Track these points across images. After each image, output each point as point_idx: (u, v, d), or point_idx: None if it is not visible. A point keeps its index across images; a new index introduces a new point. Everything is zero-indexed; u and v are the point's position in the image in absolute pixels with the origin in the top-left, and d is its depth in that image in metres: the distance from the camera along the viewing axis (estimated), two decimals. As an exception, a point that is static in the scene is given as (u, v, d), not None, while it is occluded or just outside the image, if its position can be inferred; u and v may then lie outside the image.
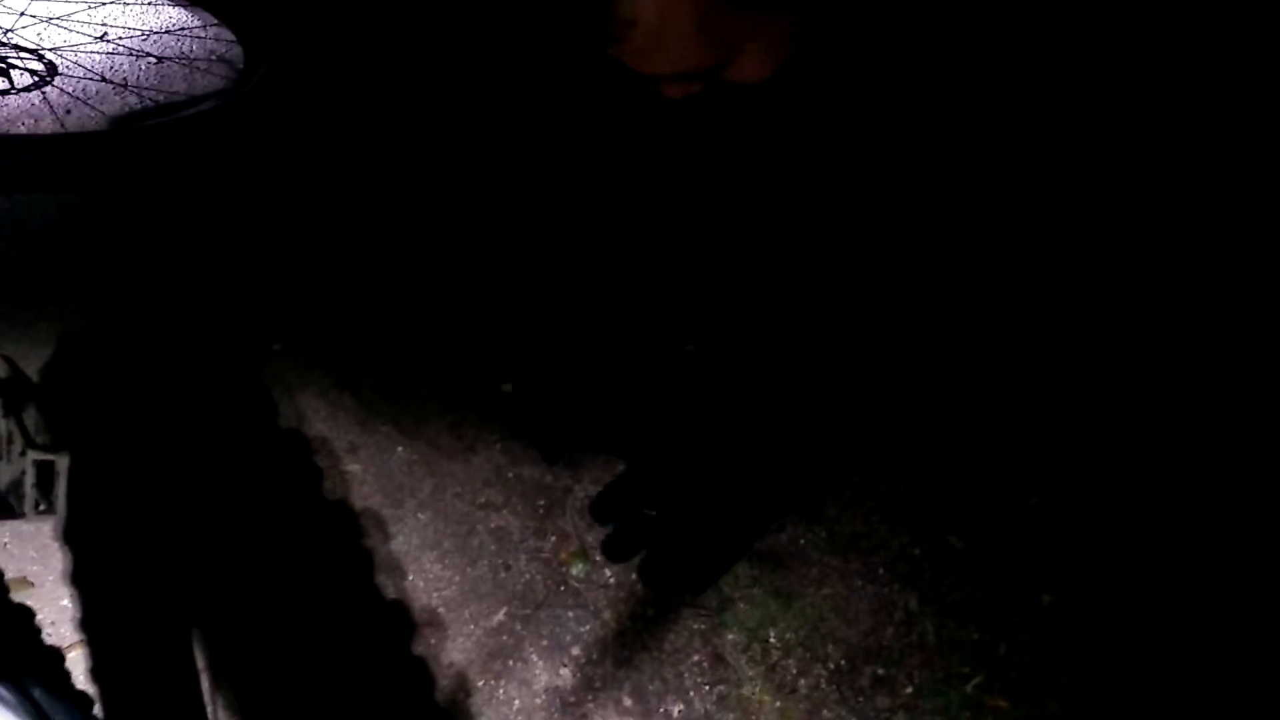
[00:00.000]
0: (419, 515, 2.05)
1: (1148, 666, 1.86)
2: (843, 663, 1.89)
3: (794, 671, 1.87)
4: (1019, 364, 2.20)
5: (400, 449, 2.14)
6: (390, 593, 1.92)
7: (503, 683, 1.82)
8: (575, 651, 1.88)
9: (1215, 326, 1.90)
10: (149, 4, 3.48)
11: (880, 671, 1.88)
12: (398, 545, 2.00)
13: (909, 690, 1.86)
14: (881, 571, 2.01)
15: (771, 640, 1.91)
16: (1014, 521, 2.07)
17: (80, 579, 1.78)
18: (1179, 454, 2.12)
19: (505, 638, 1.89)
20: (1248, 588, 1.94)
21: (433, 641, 1.87)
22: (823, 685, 1.86)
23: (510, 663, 1.86)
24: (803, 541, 2.04)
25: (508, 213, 2.54)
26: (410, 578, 1.96)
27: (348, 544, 1.96)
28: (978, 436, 2.18)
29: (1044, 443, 2.17)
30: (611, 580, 1.97)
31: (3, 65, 2.93)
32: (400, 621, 1.88)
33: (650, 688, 1.83)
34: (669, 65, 0.92)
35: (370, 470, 2.10)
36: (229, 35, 3.17)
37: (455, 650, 1.87)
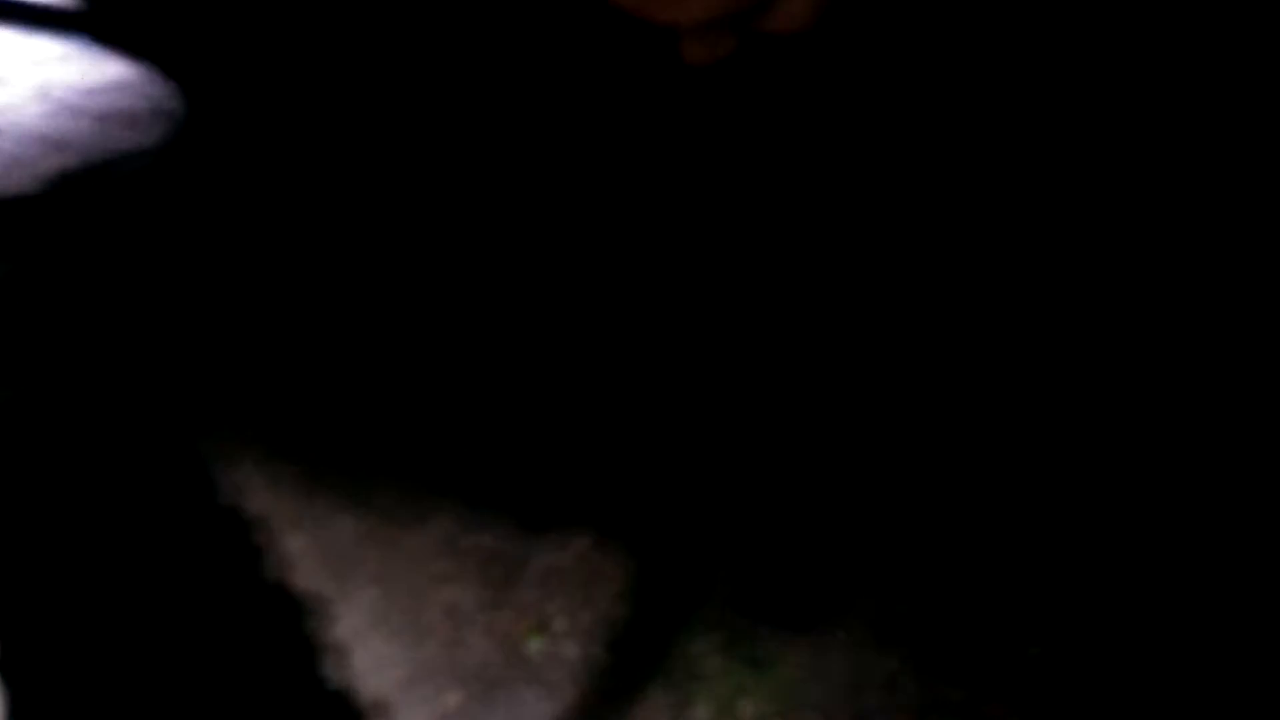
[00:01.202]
0: (366, 591, 1.92)
1: (1139, 713, 1.75)
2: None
3: (770, 745, 1.75)
4: (984, 400, 2.11)
5: (346, 520, 2.02)
6: (333, 680, 1.79)
7: (457, 773, 1.69)
8: (535, 734, 1.75)
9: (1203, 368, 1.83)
10: (90, 61, 3.39)
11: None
12: (343, 626, 1.87)
13: (893, 760, 1.74)
14: (860, 632, 1.89)
15: (745, 712, 1.78)
16: (998, 569, 1.96)
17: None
18: (1161, 496, 2.02)
19: (460, 722, 1.77)
20: (1234, 634, 1.84)
21: (381, 730, 1.74)
22: (801, 759, 1.74)
23: (466, 749, 1.73)
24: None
25: (461, 263, 2.43)
26: (356, 660, 1.83)
27: (286, 630, 1.84)
28: (957, 481, 2.08)
29: (1028, 482, 2.07)
30: (573, 655, 1.85)
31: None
32: (344, 712, 1.75)
33: (616, 771, 1.71)
34: (694, 11, 0.76)
35: (314, 545, 1.98)
36: (168, 88, 3.08)
37: (406, 738, 1.74)
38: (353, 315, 2.35)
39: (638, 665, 1.82)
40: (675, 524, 1.95)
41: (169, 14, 3.11)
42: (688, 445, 2.01)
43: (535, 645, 1.85)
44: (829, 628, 1.87)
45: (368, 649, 1.84)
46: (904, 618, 1.90)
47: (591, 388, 2.12)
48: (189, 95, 3.02)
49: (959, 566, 1.96)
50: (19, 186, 2.78)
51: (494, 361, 2.20)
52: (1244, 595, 1.84)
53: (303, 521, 2.01)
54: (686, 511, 1.96)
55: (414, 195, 2.61)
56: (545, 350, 2.19)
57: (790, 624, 1.80)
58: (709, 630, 1.85)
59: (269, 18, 2.82)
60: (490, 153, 2.37)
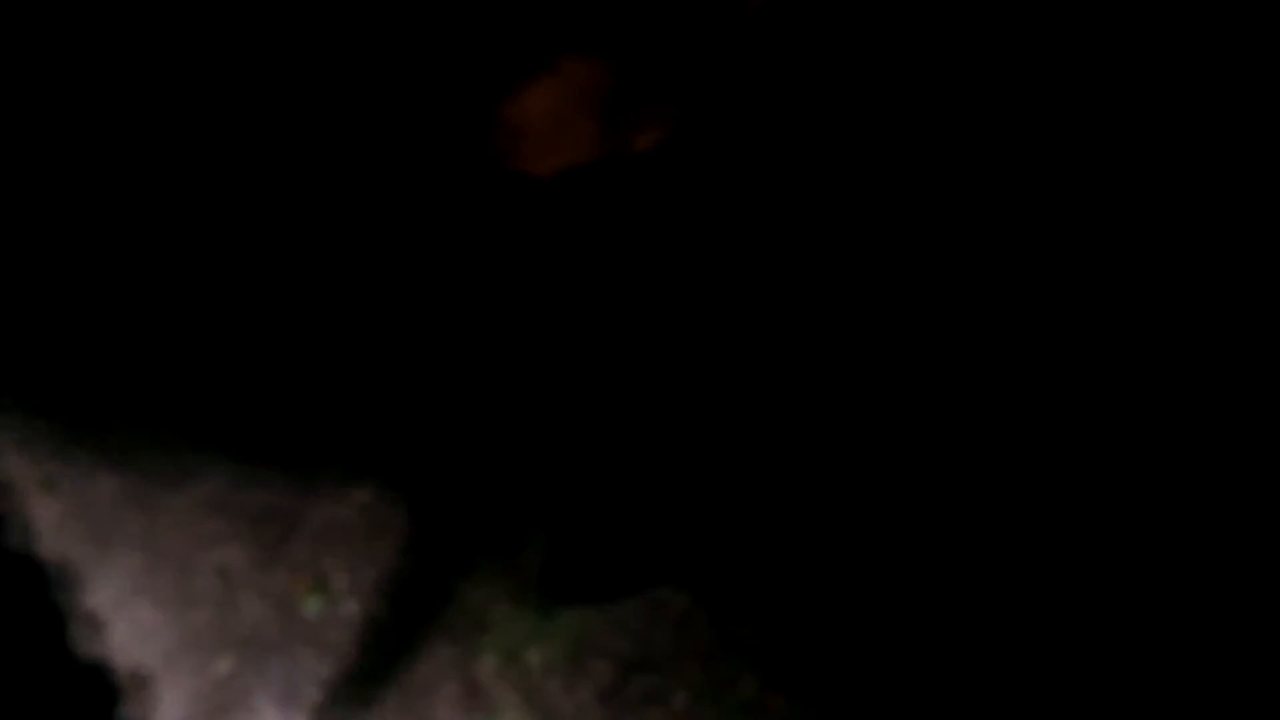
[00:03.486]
0: (129, 556, 1.79)
1: (925, 647, 1.78)
2: (611, 678, 1.74)
3: (557, 693, 1.72)
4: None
5: (108, 480, 1.86)
6: (89, 655, 1.67)
7: (223, 745, 1.61)
8: (313, 696, 1.68)
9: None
10: None
11: (653, 683, 1.74)
12: (102, 595, 1.74)
13: (683, 700, 1.73)
14: (654, 575, 1.86)
15: (532, 661, 1.74)
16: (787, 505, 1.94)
17: None
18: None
19: (231, 689, 1.68)
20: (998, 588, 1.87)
21: (143, 703, 1.64)
22: (589, 705, 1.71)
23: (237, 716, 1.65)
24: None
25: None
26: (116, 632, 1.71)
27: (35, 602, 1.70)
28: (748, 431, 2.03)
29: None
30: (353, 613, 1.77)
31: None
32: (100, 687, 1.64)
33: (394, 731, 1.65)
34: (562, 163, 1.01)
35: (71, 509, 1.83)
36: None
37: (172, 710, 1.64)
38: (105, 264, 2.13)
39: (421, 620, 1.76)
40: (462, 471, 1.86)
41: None
42: (479, 388, 1.90)
43: (312, 605, 1.76)
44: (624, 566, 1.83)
45: (130, 619, 1.72)
46: (698, 561, 1.87)
47: (368, 324, 1.98)
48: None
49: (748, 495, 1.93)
50: None
51: (259, 301, 2.03)
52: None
53: (59, 484, 1.85)
54: (475, 457, 1.87)
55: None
56: (312, 281, 2.03)
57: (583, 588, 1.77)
58: (496, 578, 1.79)
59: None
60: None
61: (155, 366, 1.97)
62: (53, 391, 1.94)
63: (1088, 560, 1.78)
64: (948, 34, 1.75)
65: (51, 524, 1.80)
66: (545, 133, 0.96)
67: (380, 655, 1.73)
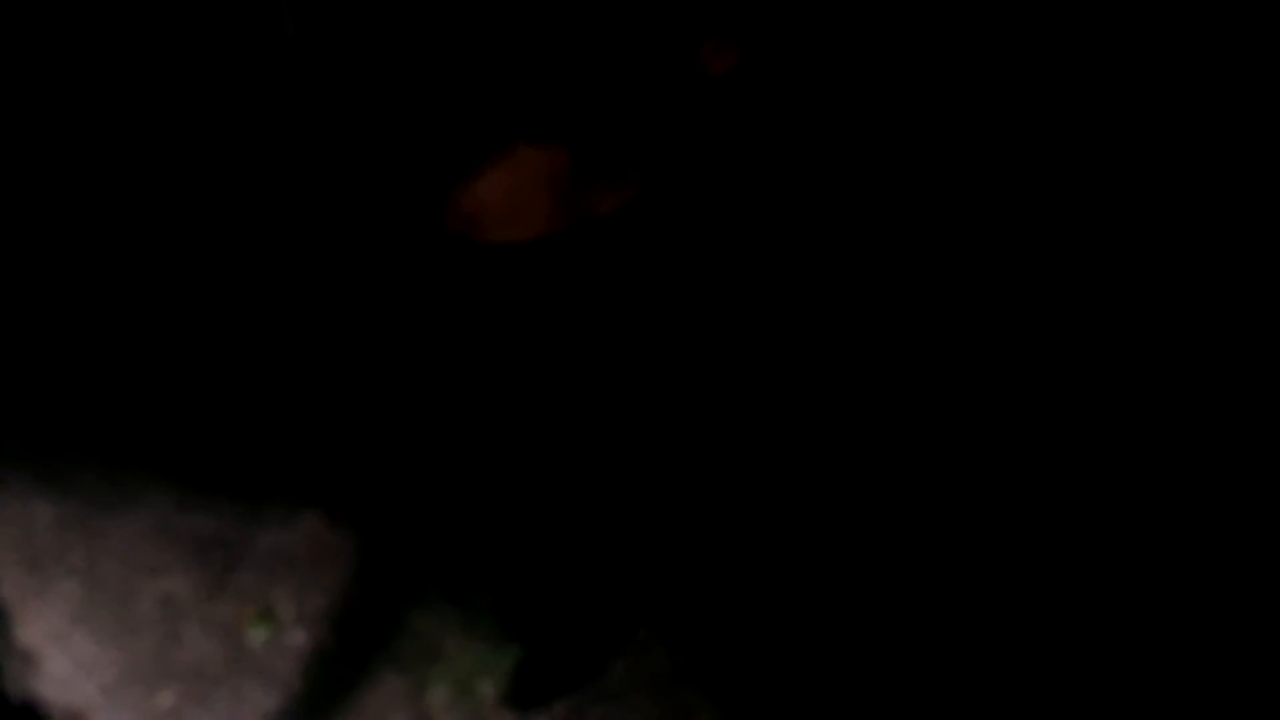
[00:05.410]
0: (67, 586, 1.73)
1: (888, 674, 1.75)
2: (567, 709, 1.70)
3: (510, 724, 1.68)
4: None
5: (44, 506, 1.80)
6: (20, 693, 1.61)
7: (163, 784, 1.56)
8: (258, 730, 1.64)
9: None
10: None
11: (609, 712, 1.71)
12: (37, 629, 1.68)
13: (638, 729, 1.70)
14: (610, 602, 1.82)
15: (484, 691, 1.70)
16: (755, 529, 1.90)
17: None
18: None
19: (173, 724, 1.63)
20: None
21: (81, 741, 1.59)
22: (542, 736, 1.68)
23: (179, 753, 1.60)
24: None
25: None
26: (52, 667, 1.65)
27: (-36, 638, 1.64)
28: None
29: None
30: (300, 643, 1.72)
31: None
32: (34, 725, 1.58)
33: (342, 766, 1.61)
34: (522, 237, 0.98)
35: (6, 536, 1.76)
36: None
37: (111, 747, 1.59)
38: (45, 282, 2.05)
39: (370, 649, 1.71)
40: (412, 497, 1.82)
41: None
42: (429, 412, 1.85)
43: (258, 635, 1.71)
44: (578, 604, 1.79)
45: (66, 652, 1.66)
46: (657, 591, 1.83)
47: (316, 350, 1.92)
48: None
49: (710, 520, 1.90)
50: None
51: (204, 323, 1.97)
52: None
53: (-7, 510, 1.78)
54: (426, 483, 1.82)
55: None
56: (261, 303, 1.97)
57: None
58: (446, 606, 1.75)
59: None
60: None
61: (96, 388, 1.90)
62: (-12, 413, 1.88)
63: (1072, 581, 1.76)
64: (918, 92, 1.76)
65: (-15, 553, 1.74)
66: (501, 214, 0.95)
67: (329, 686, 1.69)
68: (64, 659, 1.66)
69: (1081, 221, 1.86)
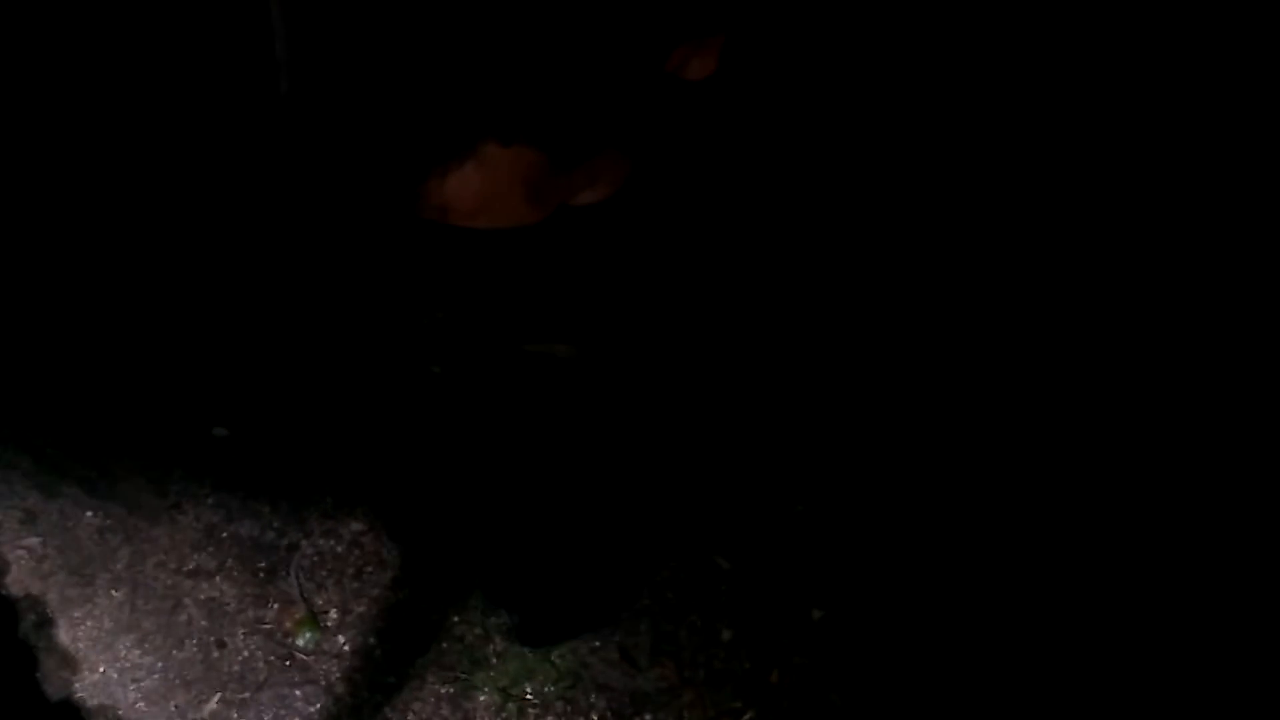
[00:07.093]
0: (113, 592, 1.74)
1: (922, 677, 1.79)
2: (608, 712, 1.72)
3: (554, 729, 1.70)
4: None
5: (90, 514, 1.81)
6: (69, 693, 1.62)
7: (212, 787, 1.57)
8: (304, 735, 1.64)
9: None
10: None
11: (649, 717, 1.73)
12: (83, 634, 1.69)
13: (679, 733, 1.72)
14: (648, 603, 1.85)
15: (528, 696, 1.72)
16: (780, 533, 1.94)
17: None
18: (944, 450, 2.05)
19: (219, 729, 1.63)
20: (1014, 595, 1.90)
21: (127, 746, 1.59)
22: (586, 740, 1.69)
23: (226, 758, 1.61)
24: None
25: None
26: (101, 671, 1.66)
27: (7, 644, 1.64)
28: (737, 448, 2.03)
29: (805, 447, 2.05)
30: (345, 647, 1.73)
31: None
32: (83, 729, 1.59)
33: (389, 770, 1.62)
34: (497, 226, 0.95)
35: (52, 543, 1.78)
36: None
37: (157, 752, 1.59)
38: (87, 291, 2.08)
39: (415, 654, 1.73)
40: (456, 502, 1.85)
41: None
42: (475, 417, 1.89)
43: (304, 640, 1.73)
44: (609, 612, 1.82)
45: (109, 658, 1.67)
46: (690, 584, 1.87)
47: (359, 355, 1.96)
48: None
49: (742, 523, 1.94)
50: None
51: (246, 330, 2.01)
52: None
53: (39, 517, 1.80)
54: (469, 488, 1.85)
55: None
56: (302, 307, 2.00)
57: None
58: (490, 611, 1.77)
59: None
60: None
61: (141, 396, 1.93)
62: (33, 422, 1.89)
63: (1070, 587, 1.80)
64: (901, 91, 1.78)
65: (31, 560, 1.75)
66: (472, 208, 0.91)
67: (374, 692, 1.70)
68: (110, 666, 1.67)
69: (1073, 222, 1.90)
